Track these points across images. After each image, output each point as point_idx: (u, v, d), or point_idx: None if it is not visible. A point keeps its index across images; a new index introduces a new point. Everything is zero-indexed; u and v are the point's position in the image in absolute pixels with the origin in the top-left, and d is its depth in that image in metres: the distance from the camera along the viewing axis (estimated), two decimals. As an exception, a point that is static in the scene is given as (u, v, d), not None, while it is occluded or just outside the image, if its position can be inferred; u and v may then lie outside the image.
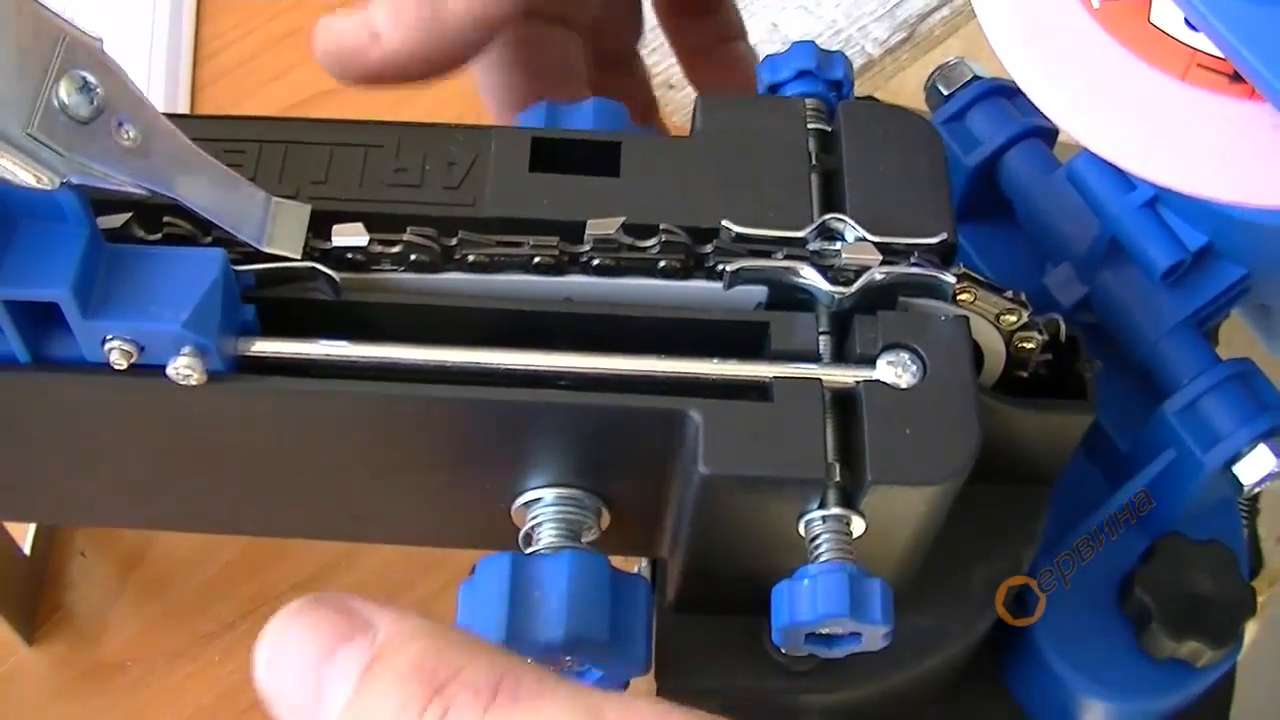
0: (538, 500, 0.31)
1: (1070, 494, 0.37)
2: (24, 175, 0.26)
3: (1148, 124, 0.29)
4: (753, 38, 0.55)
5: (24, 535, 0.43)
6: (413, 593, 0.43)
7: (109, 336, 0.27)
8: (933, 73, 0.41)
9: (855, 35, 0.56)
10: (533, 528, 0.31)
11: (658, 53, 0.56)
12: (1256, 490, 0.36)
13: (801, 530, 0.29)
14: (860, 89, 0.55)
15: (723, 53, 0.48)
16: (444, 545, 0.37)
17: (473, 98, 0.46)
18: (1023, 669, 0.38)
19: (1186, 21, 0.28)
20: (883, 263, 0.30)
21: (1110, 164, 0.31)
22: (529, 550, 0.31)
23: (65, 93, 0.26)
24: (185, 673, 0.43)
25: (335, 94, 0.52)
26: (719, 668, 0.32)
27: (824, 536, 0.29)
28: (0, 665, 0.42)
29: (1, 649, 0.42)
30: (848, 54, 0.46)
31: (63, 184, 0.26)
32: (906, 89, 0.60)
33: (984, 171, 0.39)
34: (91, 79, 0.27)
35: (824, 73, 0.35)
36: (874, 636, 0.28)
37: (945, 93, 0.40)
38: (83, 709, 0.42)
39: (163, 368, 0.28)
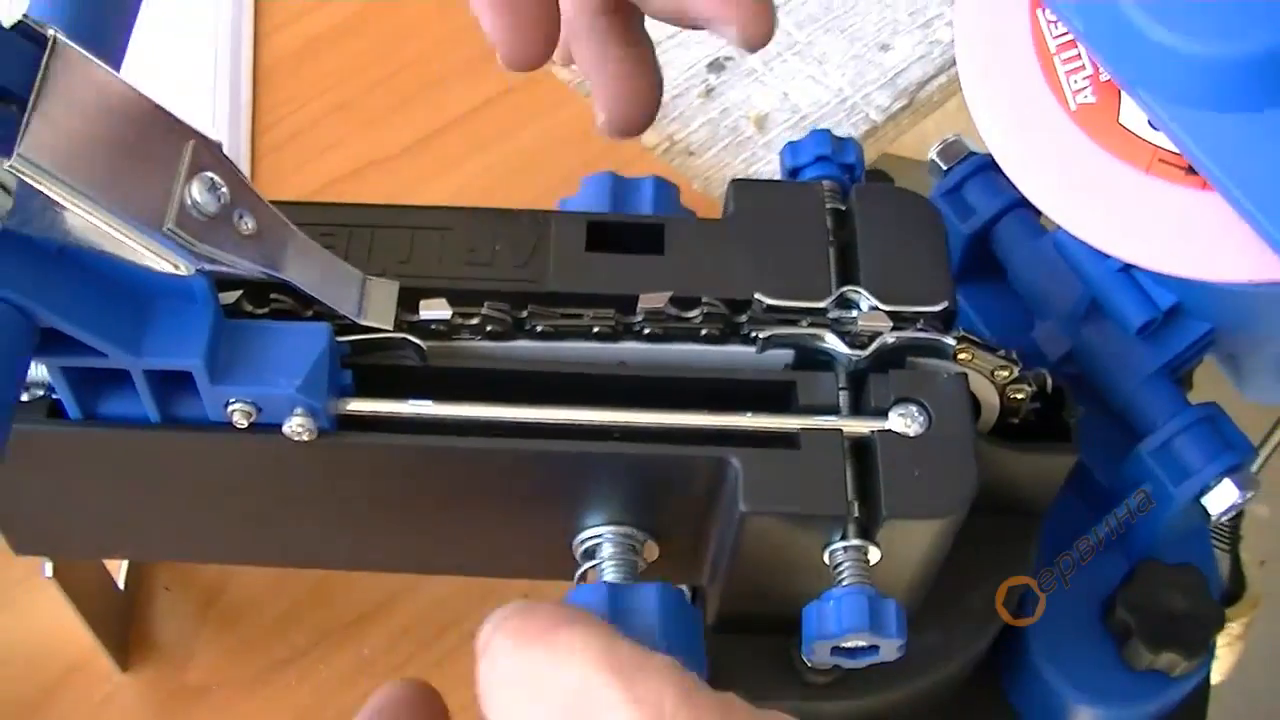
0: (596, 536, 0.36)
1: (1058, 524, 0.41)
2: (163, 265, 0.31)
3: (1116, 210, 0.34)
4: (765, 106, 0.60)
5: (118, 571, 0.47)
6: (469, 622, 0.48)
7: (232, 400, 0.32)
8: (933, 148, 0.45)
9: (860, 103, 0.60)
10: (592, 561, 0.36)
11: (676, 121, 0.61)
12: (1224, 519, 0.41)
13: (826, 559, 0.34)
14: (866, 151, 0.60)
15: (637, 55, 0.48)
16: (505, 576, 0.42)
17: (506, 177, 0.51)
18: (1019, 678, 0.43)
19: (1149, 123, 0.33)
20: (893, 328, 0.35)
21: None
22: (588, 579, 0.35)
23: (196, 192, 0.31)
24: (264, 696, 0.47)
25: (384, 163, 0.58)
26: (754, 681, 0.37)
27: (845, 564, 0.33)
28: (100, 690, 0.47)
29: (101, 675, 0.47)
30: (853, 120, 0.51)
31: (196, 271, 0.31)
32: (907, 150, 0.65)
33: (979, 238, 0.44)
34: (217, 179, 0.32)
35: (838, 157, 0.40)
36: (889, 649, 0.33)
37: (944, 167, 0.45)
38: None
39: (277, 426, 0.32)
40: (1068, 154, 0.34)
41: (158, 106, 0.32)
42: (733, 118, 0.60)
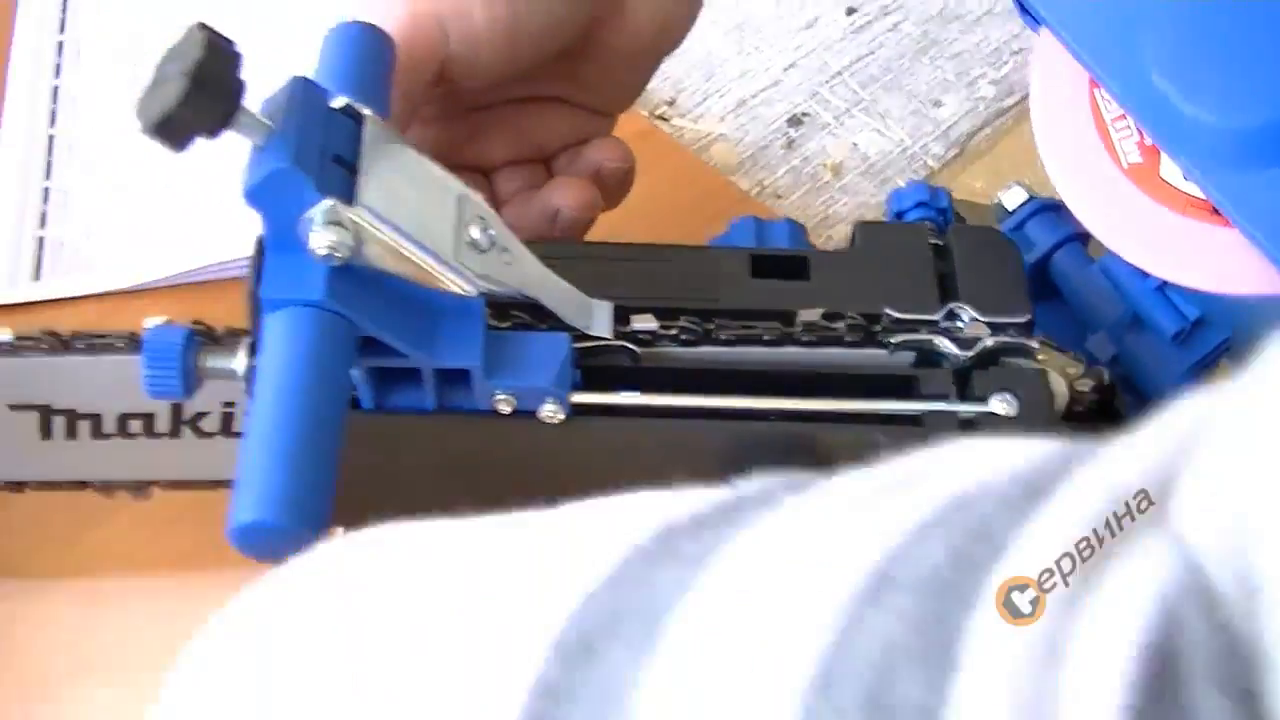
0: (759, 498, 0.46)
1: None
2: (454, 288, 0.41)
3: (1156, 242, 0.44)
4: (839, 155, 0.71)
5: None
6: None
7: (498, 392, 0.43)
8: (1000, 193, 0.56)
9: (918, 152, 0.71)
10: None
11: (765, 168, 0.72)
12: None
13: (944, 512, 0.44)
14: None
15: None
16: None
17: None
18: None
19: (1183, 176, 0.44)
20: (990, 335, 0.46)
21: (1132, 261, 0.47)
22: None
23: (474, 232, 0.42)
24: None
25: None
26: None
27: (958, 515, 0.44)
28: None
29: None
30: (913, 167, 0.62)
31: (478, 294, 0.42)
32: (960, 192, 0.76)
33: (1039, 267, 0.55)
34: (486, 222, 0.42)
35: (934, 203, 0.50)
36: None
37: (1009, 209, 0.56)
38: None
39: (532, 412, 0.43)
40: (1119, 200, 0.45)
41: (435, 163, 0.42)
42: (812, 165, 0.71)
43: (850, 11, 0.76)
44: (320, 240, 0.38)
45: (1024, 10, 0.47)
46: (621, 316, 0.45)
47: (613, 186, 0.54)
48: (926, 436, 0.44)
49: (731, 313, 0.45)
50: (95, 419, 0.50)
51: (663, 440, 0.44)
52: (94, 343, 0.48)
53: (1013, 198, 0.56)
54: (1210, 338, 0.51)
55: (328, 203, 0.38)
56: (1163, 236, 0.44)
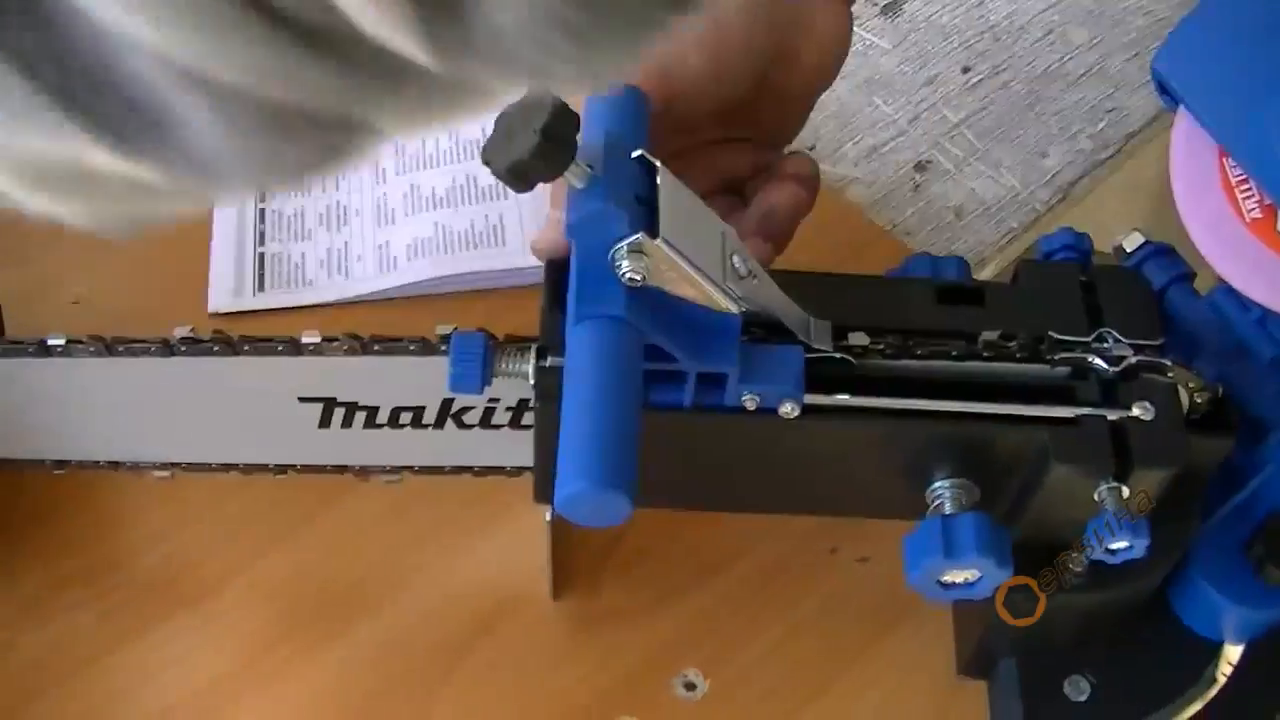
0: (941, 487, 0.57)
1: (1216, 484, 0.62)
2: (721, 306, 0.52)
3: (1270, 279, 0.55)
4: (959, 199, 0.82)
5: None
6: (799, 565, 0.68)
7: (746, 393, 0.53)
8: (1120, 238, 0.66)
9: (1028, 197, 0.82)
10: (938, 503, 0.56)
11: (895, 209, 0.83)
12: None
13: (1096, 496, 0.55)
14: (1033, 233, 0.81)
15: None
16: (867, 516, 0.63)
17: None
18: (1184, 593, 0.63)
19: (1294, 231, 0.54)
20: (1132, 354, 0.56)
21: (1239, 296, 0.57)
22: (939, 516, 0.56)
23: (736, 262, 0.52)
24: (654, 615, 0.67)
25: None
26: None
27: (1109, 498, 0.54)
28: (536, 614, 0.65)
29: (534, 604, 0.65)
30: (1024, 211, 0.73)
31: (738, 312, 0.52)
32: (1061, 233, 0.86)
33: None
34: (740, 250, 0.53)
35: (1078, 245, 0.61)
36: (1140, 548, 0.54)
37: (1128, 251, 0.66)
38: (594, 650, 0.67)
39: (773, 409, 0.53)
40: (1241, 245, 0.56)
41: (702, 202, 0.53)
42: (936, 207, 0.82)
43: (965, 70, 0.87)
44: (627, 266, 0.49)
45: (1163, 92, 0.57)
46: (838, 333, 0.55)
47: (809, 192, 0.63)
48: (1085, 435, 0.54)
49: (926, 332, 0.55)
50: (372, 411, 0.61)
51: (872, 435, 0.55)
52: (390, 345, 0.58)
53: (1132, 241, 0.66)
54: (1302, 362, 0.61)
55: (636, 236, 0.48)
56: (1273, 275, 0.55)
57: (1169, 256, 0.64)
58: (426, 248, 0.77)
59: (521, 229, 0.77)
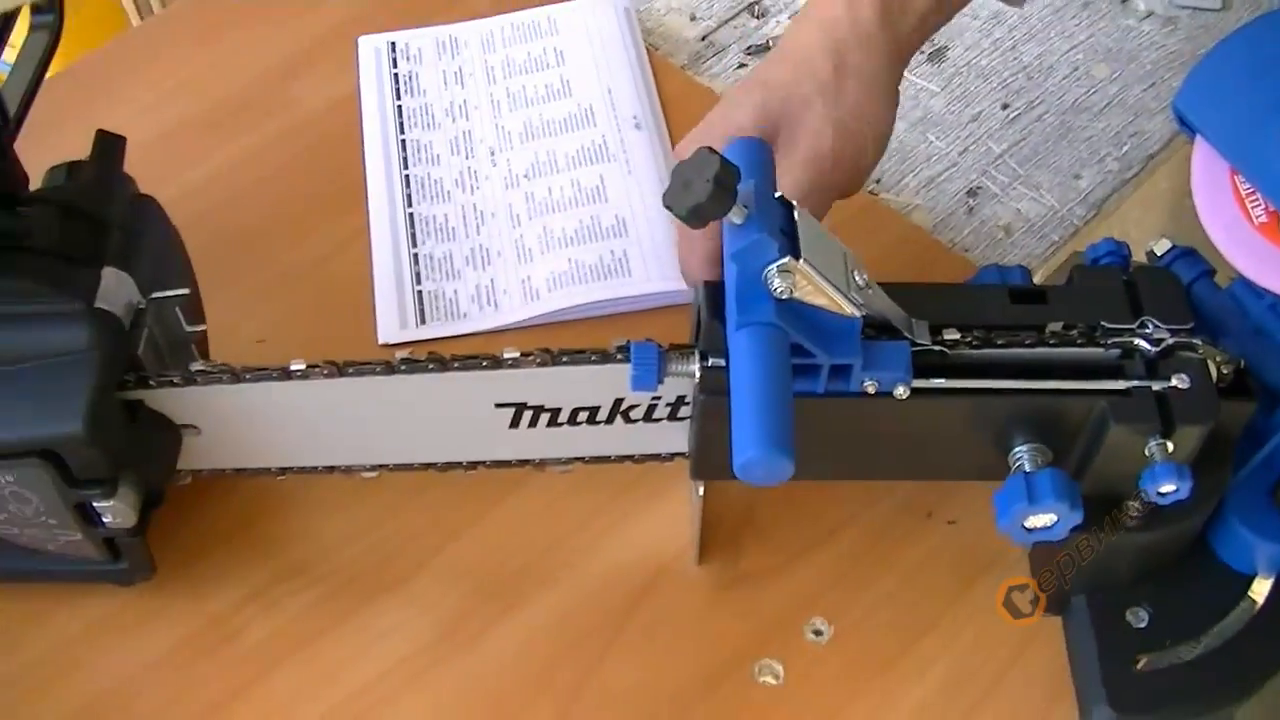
0: (1021, 450, 0.70)
1: (1244, 443, 0.76)
2: (847, 312, 0.66)
3: (1278, 271, 0.69)
4: (1007, 218, 0.96)
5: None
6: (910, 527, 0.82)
7: (867, 379, 0.67)
8: (1151, 243, 0.80)
9: (1066, 214, 0.96)
10: (1019, 463, 0.70)
11: (952, 229, 0.97)
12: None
13: (1146, 451, 0.68)
14: (1070, 245, 0.95)
15: None
16: (959, 479, 0.76)
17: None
18: (1222, 534, 0.77)
19: (1296, 230, 0.68)
20: (1170, 337, 0.70)
21: (1254, 286, 0.71)
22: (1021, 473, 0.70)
23: (857, 276, 0.66)
24: (791, 570, 0.80)
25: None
26: (1091, 523, 0.71)
27: (1157, 451, 0.68)
28: (685, 579, 0.78)
29: (681, 570, 0.77)
30: (1063, 226, 0.87)
31: (859, 315, 0.66)
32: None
33: (1184, 293, 0.79)
34: (858, 267, 0.67)
35: (1119, 251, 0.75)
36: (1185, 490, 0.67)
37: (1159, 254, 0.80)
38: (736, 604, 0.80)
39: (888, 392, 0.67)
40: (1252, 244, 0.69)
41: (828, 231, 0.67)
42: (988, 226, 0.96)
43: (1005, 106, 1.02)
44: (777, 283, 0.63)
45: (1183, 124, 0.72)
46: (934, 330, 0.69)
47: None
48: (1135, 402, 0.68)
49: (1003, 327, 0.69)
50: (554, 412, 0.74)
51: (965, 411, 0.69)
52: (575, 356, 0.71)
53: (1161, 246, 0.79)
54: (1309, 340, 0.75)
55: (786, 259, 0.63)
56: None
57: (1193, 257, 0.78)
58: (563, 280, 0.91)
59: (644, 261, 0.91)
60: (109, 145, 0.77)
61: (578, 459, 0.77)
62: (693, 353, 0.68)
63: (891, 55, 0.76)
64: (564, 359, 0.71)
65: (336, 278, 0.94)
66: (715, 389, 0.66)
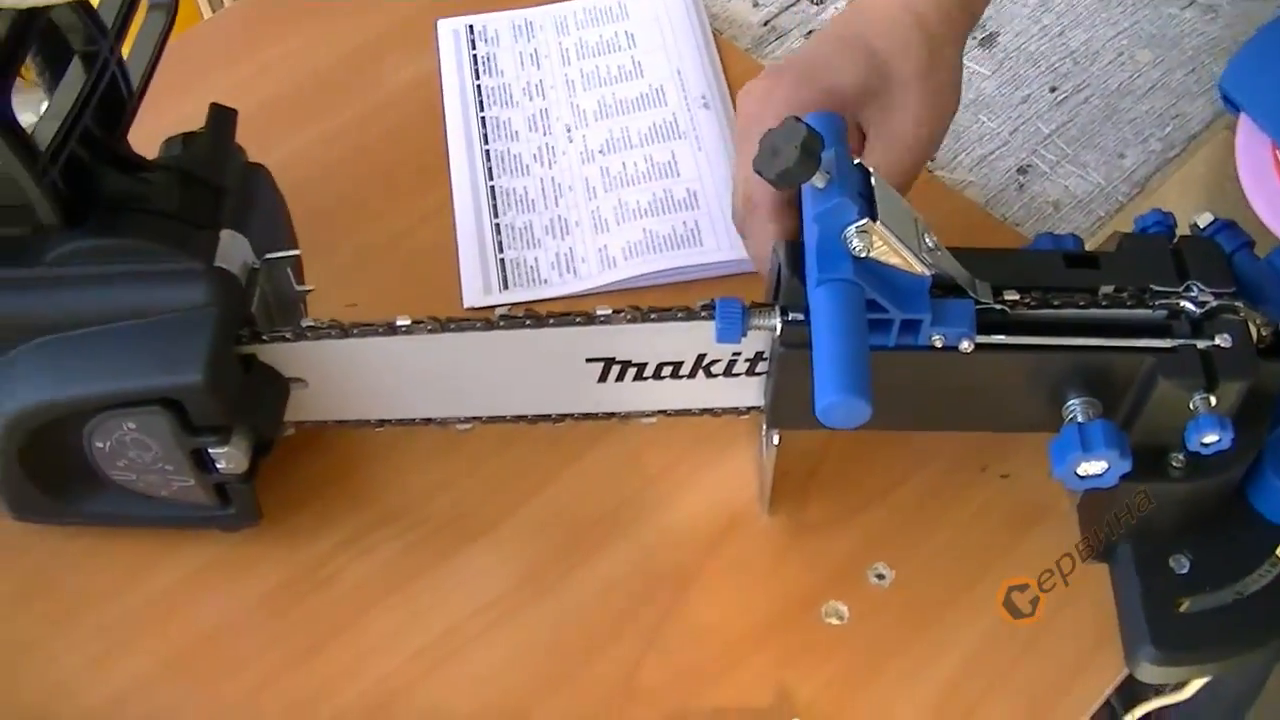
0: (1074, 403, 0.76)
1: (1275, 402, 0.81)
2: (918, 270, 0.71)
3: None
4: (1056, 194, 1.01)
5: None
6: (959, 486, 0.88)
7: (935, 334, 0.73)
8: (1196, 216, 0.85)
9: (1111, 191, 1.01)
10: (1072, 415, 0.76)
11: (1003, 205, 1.02)
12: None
13: (1191, 405, 0.74)
14: (1117, 219, 1.01)
15: None
16: (1017, 430, 0.82)
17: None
18: (1259, 486, 0.82)
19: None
20: (1214, 299, 0.75)
21: (1292, 256, 0.77)
22: (1075, 424, 0.75)
23: (927, 238, 0.72)
24: (851, 524, 0.86)
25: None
26: (1140, 473, 0.76)
27: (1200, 405, 0.74)
28: (756, 527, 0.84)
29: (752, 519, 0.83)
30: (1109, 202, 0.92)
31: (929, 275, 0.72)
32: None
33: (1226, 262, 0.84)
34: (928, 231, 0.72)
35: (1165, 221, 0.81)
36: (1226, 439, 0.73)
37: (1201, 226, 0.85)
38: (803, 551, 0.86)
39: (954, 346, 0.73)
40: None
41: (901, 197, 0.72)
42: (1038, 202, 1.01)
43: (1053, 89, 1.07)
44: (856, 243, 0.68)
45: (1228, 102, 0.77)
46: (996, 291, 0.74)
47: None
48: (1181, 358, 0.73)
49: (1059, 289, 0.75)
50: (641, 367, 0.79)
51: (1024, 363, 0.74)
52: (663, 313, 0.77)
53: (1204, 219, 0.85)
54: (1341, 303, 0.81)
55: (864, 220, 0.68)
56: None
57: (1233, 229, 0.83)
58: (638, 249, 0.97)
59: (714, 231, 0.97)
60: (223, 117, 0.83)
61: (661, 412, 0.82)
62: (774, 308, 0.73)
63: (965, 36, 0.82)
64: (653, 315, 0.76)
65: (422, 246, 1.00)
66: (795, 342, 0.72)
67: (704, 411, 0.82)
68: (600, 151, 1.03)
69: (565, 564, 0.84)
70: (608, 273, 0.96)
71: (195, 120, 0.82)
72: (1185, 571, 0.81)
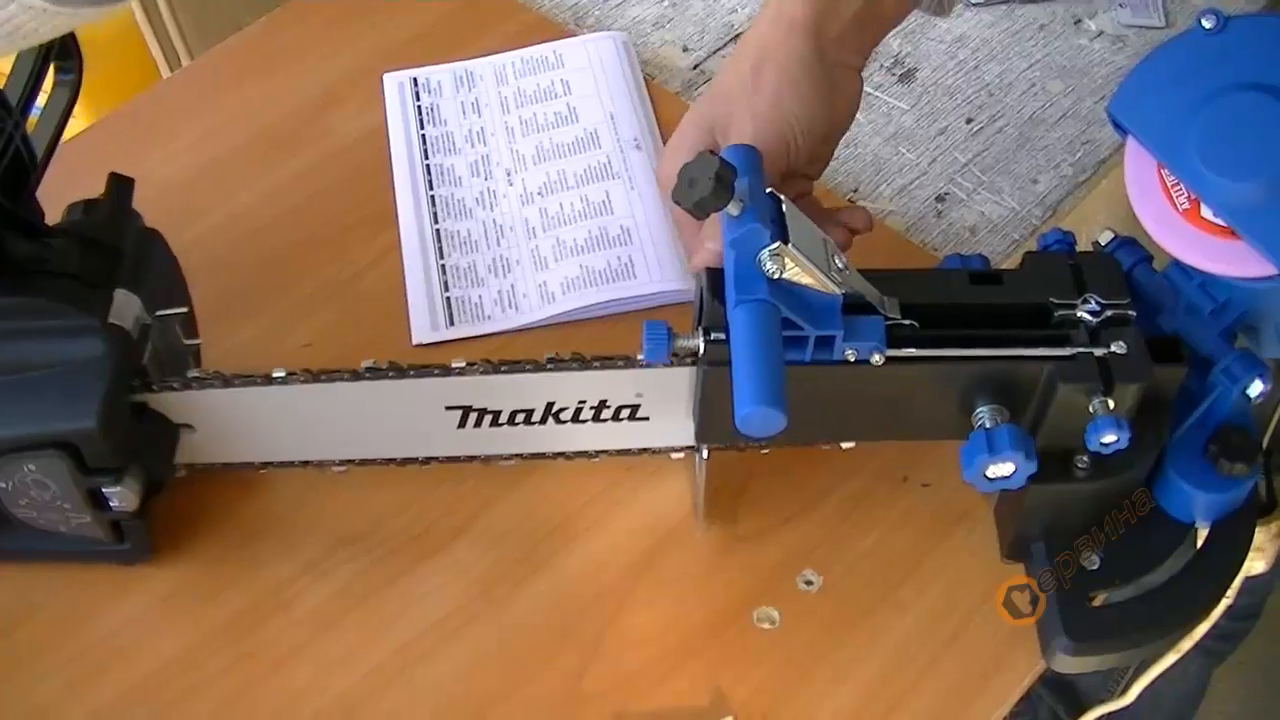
0: (982, 410, 0.81)
1: (1181, 405, 0.87)
2: (829, 290, 0.76)
3: (1199, 250, 0.79)
4: (972, 220, 1.07)
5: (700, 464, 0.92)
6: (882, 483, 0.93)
7: (848, 348, 0.78)
8: (1096, 233, 0.91)
9: (1025, 215, 1.07)
10: (979, 422, 0.81)
11: (922, 230, 1.08)
12: (1259, 401, 0.86)
13: (1090, 408, 0.79)
14: (1032, 240, 1.06)
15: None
16: (929, 439, 0.87)
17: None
18: (1164, 487, 0.88)
19: (1212, 214, 0.79)
20: (1110, 310, 0.81)
21: (1185, 268, 0.82)
22: (983, 429, 0.80)
23: (837, 260, 0.77)
24: (782, 532, 0.91)
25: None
26: (1046, 473, 0.82)
27: (1099, 407, 0.79)
28: (688, 541, 0.89)
29: (685, 535, 0.88)
30: (1023, 225, 0.98)
31: (840, 294, 0.77)
32: (1053, 241, 1.12)
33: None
34: (837, 253, 0.78)
35: (1065, 240, 0.86)
36: (1124, 439, 0.78)
37: (1102, 243, 0.91)
38: (736, 561, 0.91)
39: (866, 360, 0.78)
40: (1178, 228, 0.80)
41: (810, 221, 0.78)
42: (956, 228, 1.07)
43: (969, 121, 1.13)
44: (770, 265, 0.74)
45: (1116, 126, 0.83)
46: (905, 308, 0.80)
47: (851, 237, 0.89)
48: (1078, 365, 0.79)
49: (966, 304, 0.80)
50: (495, 414, 0.84)
51: (933, 374, 0.79)
52: (511, 365, 0.81)
53: (1104, 236, 0.90)
54: (1231, 312, 0.86)
55: (776, 244, 0.74)
56: (1202, 247, 0.79)
57: (1133, 245, 0.89)
58: (576, 284, 1.02)
59: (646, 265, 1.02)
60: (121, 185, 0.88)
61: (517, 455, 0.88)
62: (697, 329, 0.78)
63: (816, 49, 0.86)
64: (503, 368, 0.82)
65: (373, 288, 1.04)
66: (717, 360, 0.77)
67: (557, 455, 0.88)
68: (539, 193, 1.08)
69: (513, 579, 0.89)
70: (548, 307, 1.01)
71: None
72: (1096, 568, 0.86)
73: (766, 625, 0.86)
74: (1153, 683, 0.97)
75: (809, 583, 0.88)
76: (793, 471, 0.91)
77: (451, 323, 1.01)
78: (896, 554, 0.89)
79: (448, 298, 1.02)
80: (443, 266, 1.04)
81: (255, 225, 1.05)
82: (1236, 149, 0.76)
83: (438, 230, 1.06)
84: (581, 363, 0.82)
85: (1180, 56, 0.81)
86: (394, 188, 1.10)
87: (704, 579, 0.88)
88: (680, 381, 0.82)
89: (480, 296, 1.02)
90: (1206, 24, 0.78)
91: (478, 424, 0.85)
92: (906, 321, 0.79)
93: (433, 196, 1.09)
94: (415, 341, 1.00)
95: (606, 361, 0.81)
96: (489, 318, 1.01)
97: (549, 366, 0.80)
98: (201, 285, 0.94)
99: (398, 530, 0.91)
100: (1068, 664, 0.84)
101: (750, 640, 0.85)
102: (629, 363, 0.81)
